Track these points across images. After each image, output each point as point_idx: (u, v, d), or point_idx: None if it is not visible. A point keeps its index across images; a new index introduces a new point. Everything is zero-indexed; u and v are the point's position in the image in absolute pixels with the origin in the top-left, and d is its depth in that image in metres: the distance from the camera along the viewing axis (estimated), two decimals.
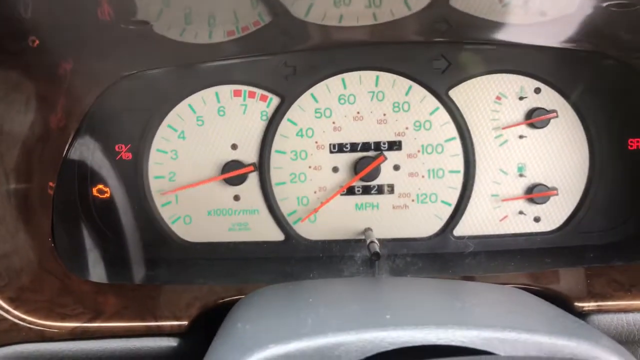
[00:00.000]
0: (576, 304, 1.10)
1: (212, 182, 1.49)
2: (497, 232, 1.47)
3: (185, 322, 1.11)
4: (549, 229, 1.47)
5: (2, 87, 1.13)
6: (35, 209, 1.28)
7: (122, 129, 1.48)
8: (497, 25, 1.31)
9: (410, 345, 0.73)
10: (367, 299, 0.93)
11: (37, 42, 1.09)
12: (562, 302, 1.11)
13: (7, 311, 1.09)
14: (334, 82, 1.45)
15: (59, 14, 1.08)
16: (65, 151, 1.38)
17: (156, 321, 1.11)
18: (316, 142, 1.47)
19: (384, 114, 1.45)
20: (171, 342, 1.11)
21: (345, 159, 1.47)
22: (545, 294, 1.14)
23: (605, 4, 1.10)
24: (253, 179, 1.49)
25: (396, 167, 1.46)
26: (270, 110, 1.47)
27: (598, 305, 1.10)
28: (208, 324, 1.11)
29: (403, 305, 0.89)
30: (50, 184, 1.35)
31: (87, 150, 1.46)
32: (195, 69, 1.46)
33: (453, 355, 0.70)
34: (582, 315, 1.10)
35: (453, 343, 0.73)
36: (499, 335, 0.74)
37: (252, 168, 1.47)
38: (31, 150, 1.25)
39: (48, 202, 1.33)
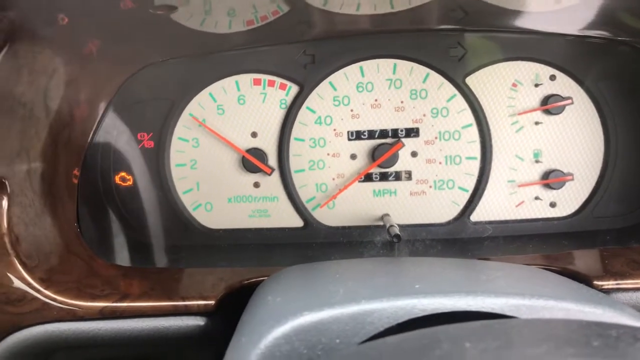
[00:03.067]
0: (595, 282, 1.11)
1: (233, 170, 1.51)
2: (513, 218, 1.49)
3: (212, 302, 1.13)
4: (564, 214, 1.49)
5: (31, 72, 1.15)
6: (61, 195, 1.30)
7: (144, 118, 1.51)
8: (512, 13, 1.32)
9: (440, 312, 0.76)
10: (395, 273, 0.95)
11: (67, 19, 1.11)
12: (582, 281, 1.12)
13: (38, 291, 1.11)
14: (352, 70, 1.47)
15: None
16: (90, 138, 1.41)
17: (183, 301, 1.13)
18: (334, 130, 1.49)
19: (402, 102, 1.47)
20: (199, 321, 1.13)
21: (363, 146, 1.49)
22: (564, 273, 1.15)
23: None
24: (272, 166, 1.51)
25: (414, 154, 1.48)
26: (289, 99, 1.49)
27: (617, 284, 1.11)
28: (234, 304, 1.13)
29: (430, 277, 0.91)
30: (75, 172, 1.37)
31: (110, 138, 1.49)
32: (215, 58, 1.49)
33: None
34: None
35: (483, 310, 0.76)
36: (527, 303, 0.76)
37: (269, 170, 1.50)
38: (57, 136, 1.28)
39: (73, 189, 1.36)
